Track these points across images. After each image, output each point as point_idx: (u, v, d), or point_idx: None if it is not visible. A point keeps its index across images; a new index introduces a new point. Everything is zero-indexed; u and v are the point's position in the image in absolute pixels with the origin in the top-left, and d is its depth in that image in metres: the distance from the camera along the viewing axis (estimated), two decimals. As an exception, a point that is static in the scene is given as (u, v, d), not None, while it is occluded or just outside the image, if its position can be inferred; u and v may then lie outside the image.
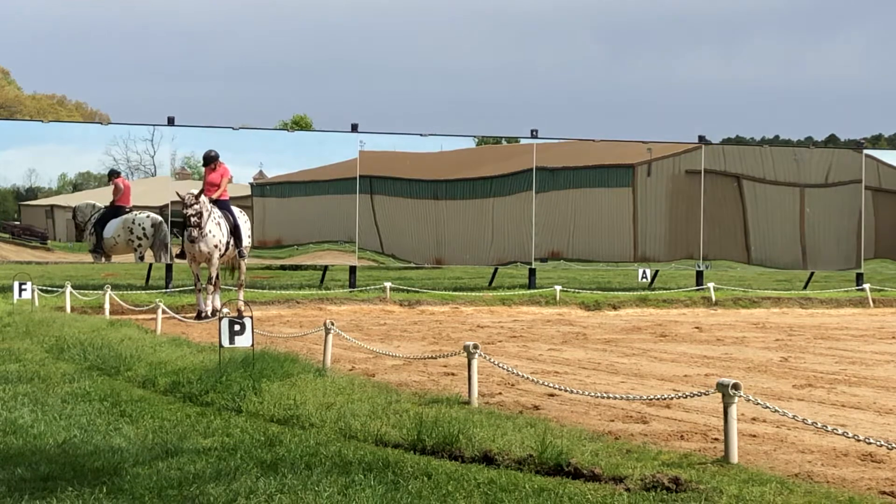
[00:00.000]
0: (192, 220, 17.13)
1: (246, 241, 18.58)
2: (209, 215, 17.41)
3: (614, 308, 21.19)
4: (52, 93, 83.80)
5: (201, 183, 18.23)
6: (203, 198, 17.32)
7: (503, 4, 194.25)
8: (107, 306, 17.34)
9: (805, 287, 25.14)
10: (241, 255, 18.46)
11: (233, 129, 23.21)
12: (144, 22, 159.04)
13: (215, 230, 17.53)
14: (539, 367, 11.35)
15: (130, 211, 21.90)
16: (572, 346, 13.86)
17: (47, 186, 22.78)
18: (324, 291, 21.81)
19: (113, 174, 22.03)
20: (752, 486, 5.50)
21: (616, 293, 22.53)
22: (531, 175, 23.54)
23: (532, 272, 23.59)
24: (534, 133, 23.93)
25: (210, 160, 17.95)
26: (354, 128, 23.14)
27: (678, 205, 24.25)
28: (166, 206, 21.74)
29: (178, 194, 17.54)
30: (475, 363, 8.28)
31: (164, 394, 9.20)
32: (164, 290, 20.85)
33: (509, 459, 6.25)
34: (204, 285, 17.60)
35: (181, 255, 18.12)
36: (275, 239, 22.85)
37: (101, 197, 22.16)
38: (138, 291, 20.73)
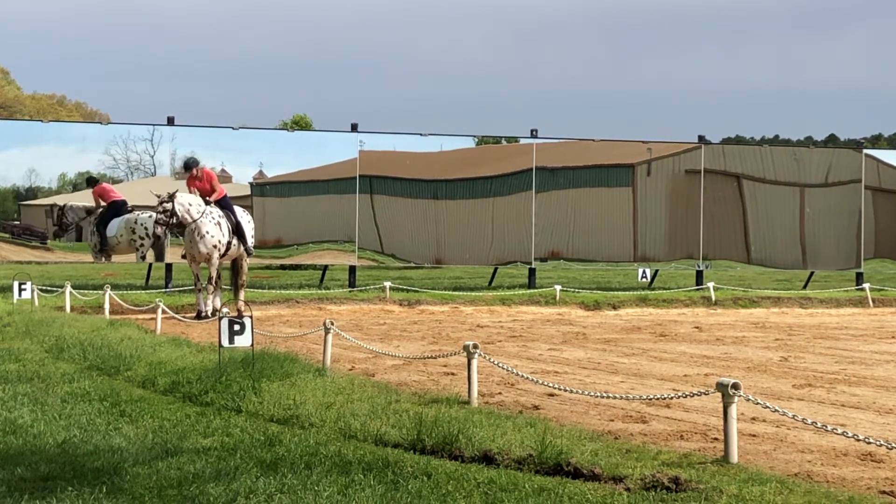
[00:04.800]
0: (160, 217, 17.21)
1: (250, 241, 18.60)
2: (203, 214, 17.39)
3: (614, 308, 21.19)
4: (52, 93, 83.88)
5: (185, 185, 18.25)
6: (180, 196, 17.31)
7: (503, 4, 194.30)
8: (107, 306, 17.34)
9: (805, 287, 25.14)
10: (248, 254, 18.56)
11: (233, 129, 23.21)
12: (144, 22, 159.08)
13: (214, 230, 17.54)
14: (539, 366, 11.35)
15: (132, 210, 21.88)
16: (572, 346, 13.86)
17: (47, 186, 22.78)
18: (323, 291, 21.81)
19: (91, 182, 21.99)
20: (751, 486, 5.51)
21: (616, 293, 22.53)
22: (531, 175, 23.54)
23: (532, 272, 23.59)
24: (534, 133, 23.93)
25: (191, 166, 17.98)
26: (354, 128, 23.14)
27: (678, 204, 24.25)
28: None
29: (154, 194, 17.53)
30: (475, 363, 8.28)
31: (163, 394, 9.20)
32: (164, 290, 20.85)
33: (509, 459, 6.25)
34: (204, 285, 17.62)
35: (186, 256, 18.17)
36: (275, 239, 22.84)
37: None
38: (138, 291, 20.73)
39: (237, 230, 18.06)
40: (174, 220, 17.27)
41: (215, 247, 17.53)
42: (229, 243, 17.87)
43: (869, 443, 5.93)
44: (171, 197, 17.18)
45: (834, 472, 6.20)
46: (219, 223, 17.66)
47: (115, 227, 21.79)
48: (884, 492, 5.69)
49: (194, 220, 17.38)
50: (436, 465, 6.20)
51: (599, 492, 5.53)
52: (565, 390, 8.12)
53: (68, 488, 5.71)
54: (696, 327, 17.29)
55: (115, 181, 22.47)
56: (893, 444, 5.89)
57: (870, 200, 25.07)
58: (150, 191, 17.90)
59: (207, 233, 17.46)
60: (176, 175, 22.48)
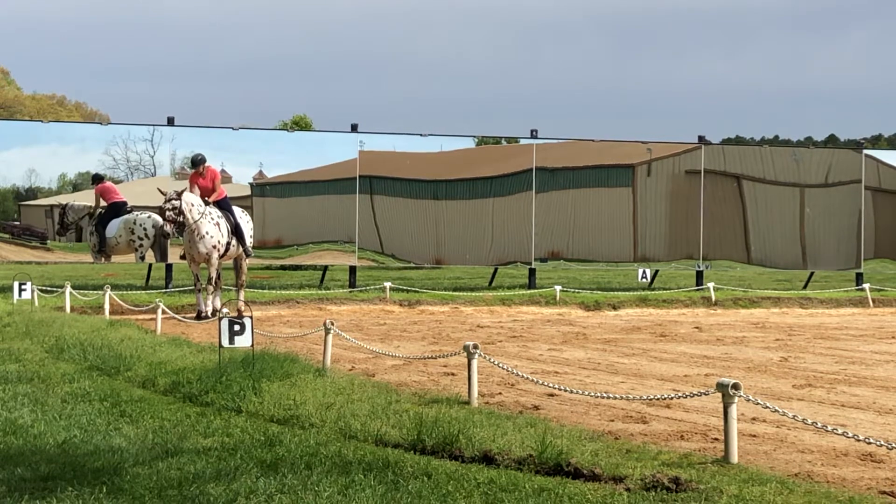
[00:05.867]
0: (168, 214, 17.15)
1: (249, 242, 18.60)
2: (202, 215, 17.38)
3: (614, 308, 21.19)
4: (52, 93, 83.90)
5: (188, 183, 18.23)
6: (186, 195, 17.30)
7: (503, 4, 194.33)
8: (107, 306, 17.33)
9: (805, 287, 25.14)
10: (247, 255, 18.54)
11: (233, 129, 23.21)
12: (144, 22, 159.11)
13: (213, 231, 17.54)
14: (539, 367, 11.35)
15: (131, 210, 21.88)
16: (572, 346, 13.86)
17: (47, 186, 22.77)
18: (324, 291, 21.81)
19: (96, 179, 22.00)
20: (752, 486, 5.51)
21: (616, 293, 22.53)
22: (531, 175, 23.54)
23: (532, 272, 23.59)
24: (534, 133, 23.94)
25: (198, 163, 17.93)
26: (354, 128, 23.15)
27: (678, 205, 24.25)
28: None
29: (160, 191, 17.52)
30: (475, 363, 8.28)
31: (164, 394, 9.20)
32: (164, 290, 20.85)
33: (509, 459, 6.25)
34: (204, 285, 17.62)
35: (185, 256, 18.15)
36: (275, 239, 22.84)
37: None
38: (138, 291, 20.73)
39: (236, 231, 18.05)
40: (181, 219, 17.27)
41: (215, 247, 17.53)
42: (228, 244, 17.86)
43: (869, 443, 5.93)
44: (179, 195, 17.19)
45: (834, 472, 6.20)
46: (217, 223, 17.66)
47: (114, 227, 21.79)
48: (884, 492, 5.69)
49: (194, 221, 17.38)
50: (436, 465, 6.20)
51: (599, 492, 5.53)
52: (565, 390, 8.12)
53: (68, 488, 5.71)
54: (697, 327, 17.28)
55: (115, 181, 22.47)
56: (893, 444, 5.89)
57: (870, 201, 25.07)
58: (157, 188, 17.87)
59: (207, 233, 17.46)
60: (176, 175, 22.49)
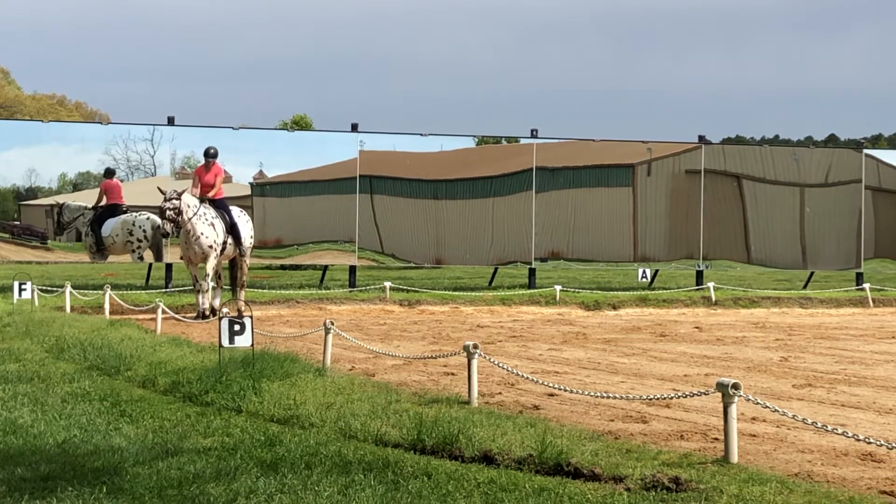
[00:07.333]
0: (168, 214, 17.13)
1: (248, 242, 18.57)
2: (196, 216, 17.37)
3: (614, 308, 21.18)
4: (52, 93, 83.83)
5: (189, 184, 18.23)
6: (185, 196, 17.31)
7: (503, 4, 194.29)
8: (107, 306, 17.34)
9: (805, 287, 25.14)
10: (241, 255, 18.51)
11: (233, 129, 23.21)
12: (145, 22, 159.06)
13: (208, 231, 17.51)
14: (539, 366, 11.35)
15: (126, 211, 21.88)
16: (572, 346, 13.86)
17: (47, 186, 22.78)
18: (323, 291, 21.81)
19: (108, 173, 22.01)
20: (752, 486, 5.51)
21: (616, 293, 22.53)
22: (531, 175, 23.54)
23: (532, 272, 23.60)
24: (534, 133, 23.94)
25: (211, 156, 17.97)
26: (354, 128, 23.15)
27: (678, 204, 24.25)
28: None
29: (159, 190, 17.52)
30: (475, 363, 8.28)
31: (164, 394, 9.20)
32: (164, 290, 20.85)
33: (509, 459, 6.26)
34: (203, 286, 17.60)
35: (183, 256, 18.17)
36: (275, 239, 22.84)
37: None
38: (138, 291, 20.73)
39: (232, 230, 18.03)
40: (180, 219, 17.29)
41: (211, 247, 17.52)
42: (225, 243, 17.84)
43: (869, 443, 5.93)
44: (179, 195, 17.21)
45: (834, 472, 6.21)
46: (212, 224, 17.64)
47: (109, 227, 21.79)
48: (884, 492, 5.69)
49: (188, 220, 17.37)
50: (436, 465, 6.20)
51: (599, 492, 5.53)
52: (565, 390, 8.12)
53: (68, 488, 5.71)
54: (697, 327, 17.29)
55: (115, 181, 22.47)
56: (893, 444, 5.89)
57: (870, 200, 25.07)
58: (157, 187, 17.86)
59: (202, 234, 17.46)
60: (176, 175, 22.48)
